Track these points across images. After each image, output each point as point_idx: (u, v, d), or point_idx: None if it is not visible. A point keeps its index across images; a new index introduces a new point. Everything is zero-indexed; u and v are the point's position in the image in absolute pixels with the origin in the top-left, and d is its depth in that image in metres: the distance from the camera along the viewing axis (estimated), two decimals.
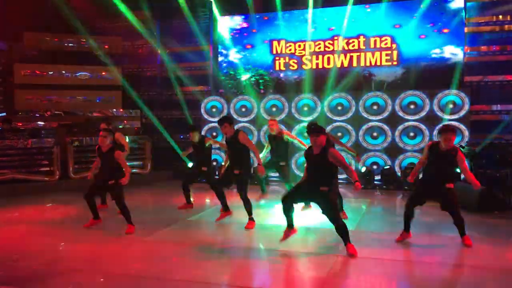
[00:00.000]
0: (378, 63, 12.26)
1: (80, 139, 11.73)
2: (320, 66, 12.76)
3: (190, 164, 12.47)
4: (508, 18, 11.49)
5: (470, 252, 6.07)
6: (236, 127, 12.14)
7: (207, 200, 10.21)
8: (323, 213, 5.88)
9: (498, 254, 5.95)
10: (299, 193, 6.04)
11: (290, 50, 13.04)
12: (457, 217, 6.21)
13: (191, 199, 8.45)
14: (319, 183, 5.75)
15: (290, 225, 6.10)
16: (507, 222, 7.66)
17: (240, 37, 13.57)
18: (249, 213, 7.27)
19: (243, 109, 12.91)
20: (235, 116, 12.88)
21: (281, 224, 7.31)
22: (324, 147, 5.74)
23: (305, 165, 6.11)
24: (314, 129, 5.78)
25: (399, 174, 11.28)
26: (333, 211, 5.76)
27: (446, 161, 6.12)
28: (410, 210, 6.46)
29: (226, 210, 7.61)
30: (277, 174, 9.17)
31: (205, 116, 13.24)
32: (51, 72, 13.34)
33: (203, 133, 13.16)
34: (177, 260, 5.71)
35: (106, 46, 13.73)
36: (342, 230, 5.76)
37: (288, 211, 6.02)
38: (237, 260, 5.82)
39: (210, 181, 8.25)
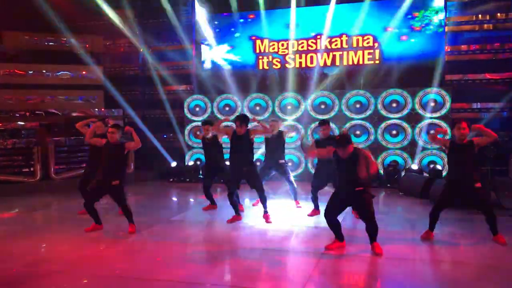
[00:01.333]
0: (361, 62, 12.33)
1: (61, 139, 11.59)
2: (304, 65, 12.80)
3: (174, 163, 12.47)
4: (488, 17, 11.69)
5: (451, 248, 6.16)
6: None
7: (191, 200, 10.19)
8: (360, 214, 5.99)
9: (478, 249, 6.03)
10: (336, 204, 6.01)
11: (273, 49, 13.05)
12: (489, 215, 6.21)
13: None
14: (354, 184, 5.78)
15: (340, 238, 6.05)
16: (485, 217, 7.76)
17: (223, 36, 13.52)
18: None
19: (227, 108, 12.89)
20: (218, 115, 12.85)
21: (267, 224, 7.35)
22: (353, 151, 5.81)
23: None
24: (341, 142, 5.79)
25: (381, 172, 11.38)
26: (371, 209, 5.80)
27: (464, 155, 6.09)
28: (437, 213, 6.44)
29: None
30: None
31: (189, 115, 13.18)
32: (31, 72, 13.15)
33: (186, 132, 13.11)
34: (161, 260, 5.67)
35: (87, 45, 13.57)
36: (374, 229, 5.82)
37: (335, 226, 6.02)
38: (221, 259, 5.80)
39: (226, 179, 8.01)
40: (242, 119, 7.37)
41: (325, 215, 6.04)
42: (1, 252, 6.07)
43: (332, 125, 11.70)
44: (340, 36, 12.50)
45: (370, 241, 5.88)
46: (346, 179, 5.88)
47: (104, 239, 6.65)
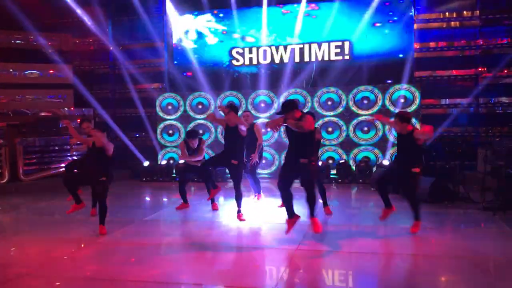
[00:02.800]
0: (332, 58, 12.42)
1: (31, 139, 11.34)
2: (277, 61, 12.83)
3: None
4: (455, 15, 11.95)
5: (422, 242, 6.28)
6: (193, 124, 12.24)
7: (164, 199, 10.11)
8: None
9: (448, 242, 6.17)
10: (286, 175, 6.09)
11: (246, 47, 13.04)
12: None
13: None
14: (300, 155, 5.90)
15: (290, 215, 6.16)
16: (456, 211, 7.96)
17: (195, 33, 13.45)
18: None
19: (200, 106, 12.82)
20: (191, 113, 12.80)
21: (240, 222, 7.33)
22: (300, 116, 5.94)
23: None
24: (285, 107, 5.91)
25: (353, 167, 11.52)
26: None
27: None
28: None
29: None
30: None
31: (161, 114, 13.06)
32: None
33: (158, 131, 13.00)
34: (133, 260, 5.61)
35: (56, 44, 13.29)
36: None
37: (287, 199, 6.11)
38: (195, 258, 5.78)
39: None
40: (232, 108, 7.37)
41: (279, 187, 6.16)
42: None
43: None
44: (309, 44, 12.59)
45: (310, 215, 6.06)
46: (294, 149, 6.00)
47: (75, 240, 6.53)
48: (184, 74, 13.56)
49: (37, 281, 5.00)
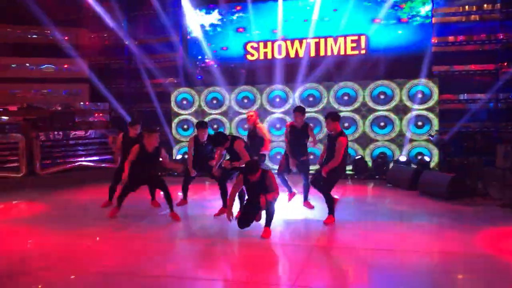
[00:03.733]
0: (348, 52, 12.25)
1: (47, 133, 11.42)
2: (292, 56, 12.70)
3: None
4: (474, 8, 11.70)
5: (440, 239, 6.19)
6: (207, 119, 12.20)
7: (179, 194, 10.10)
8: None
9: (467, 240, 6.06)
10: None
11: (261, 41, 12.95)
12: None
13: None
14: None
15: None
16: (476, 208, 7.81)
17: (210, 27, 13.39)
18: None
19: (214, 101, 12.79)
20: (205, 109, 12.77)
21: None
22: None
23: None
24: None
25: (370, 163, 11.40)
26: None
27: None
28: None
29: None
30: None
31: (176, 109, 13.06)
32: (14, 65, 12.90)
33: (173, 125, 13.01)
34: (150, 255, 5.61)
35: (72, 38, 13.35)
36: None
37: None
38: (211, 253, 5.76)
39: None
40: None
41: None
42: None
43: (320, 117, 11.73)
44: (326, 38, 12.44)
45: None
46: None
47: (91, 235, 6.55)
48: (199, 68, 13.52)
49: (56, 274, 5.03)
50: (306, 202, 7.89)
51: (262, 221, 6.41)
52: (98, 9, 13.13)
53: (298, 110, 7.72)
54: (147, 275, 4.93)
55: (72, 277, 4.97)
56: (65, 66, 13.29)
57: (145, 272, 5.00)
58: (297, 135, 7.69)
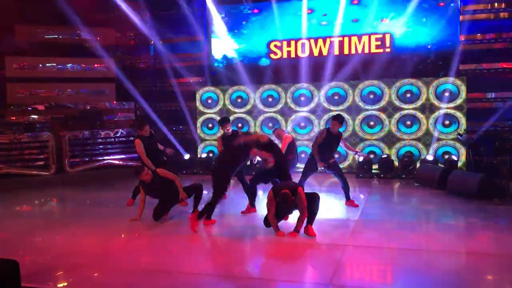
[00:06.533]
0: (373, 51, 12.15)
1: (75, 132, 11.63)
2: (316, 54, 12.65)
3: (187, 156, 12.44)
4: (503, 5, 11.52)
5: (470, 239, 6.13)
6: (232, 118, 12.24)
7: (205, 192, 10.16)
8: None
9: (499, 240, 6.00)
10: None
11: (285, 40, 12.92)
12: None
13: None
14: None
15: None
16: (507, 208, 7.72)
17: (234, 26, 13.41)
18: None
19: (239, 100, 12.84)
20: (230, 107, 12.83)
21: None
22: None
23: None
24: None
25: (396, 162, 11.33)
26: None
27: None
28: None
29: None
30: None
31: (201, 108, 13.15)
32: (43, 65, 13.13)
33: (198, 124, 13.10)
34: (186, 253, 5.68)
35: (99, 38, 13.51)
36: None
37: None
38: (243, 251, 5.81)
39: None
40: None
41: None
42: (26, 245, 6.09)
43: (345, 116, 11.68)
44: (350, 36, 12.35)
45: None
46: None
47: (127, 232, 6.68)
48: (223, 67, 13.55)
49: (94, 272, 5.11)
50: (349, 201, 7.93)
51: (290, 220, 6.46)
52: (125, 8, 13.26)
53: (337, 119, 7.82)
54: (187, 272, 4.98)
55: (114, 275, 5.03)
56: (92, 65, 13.47)
57: (185, 269, 5.05)
58: (331, 141, 7.82)
